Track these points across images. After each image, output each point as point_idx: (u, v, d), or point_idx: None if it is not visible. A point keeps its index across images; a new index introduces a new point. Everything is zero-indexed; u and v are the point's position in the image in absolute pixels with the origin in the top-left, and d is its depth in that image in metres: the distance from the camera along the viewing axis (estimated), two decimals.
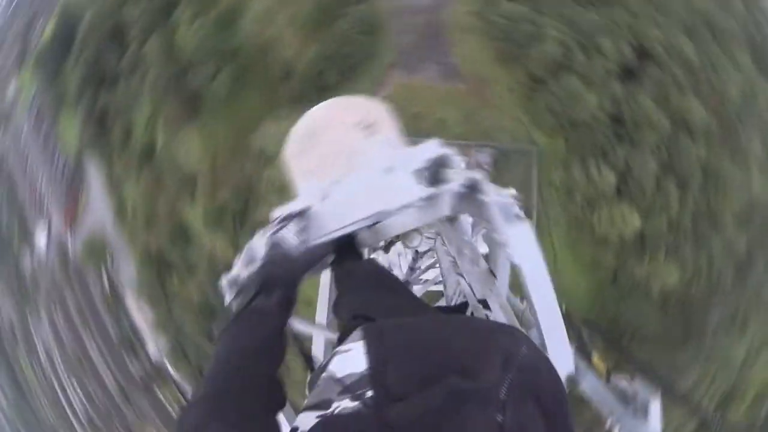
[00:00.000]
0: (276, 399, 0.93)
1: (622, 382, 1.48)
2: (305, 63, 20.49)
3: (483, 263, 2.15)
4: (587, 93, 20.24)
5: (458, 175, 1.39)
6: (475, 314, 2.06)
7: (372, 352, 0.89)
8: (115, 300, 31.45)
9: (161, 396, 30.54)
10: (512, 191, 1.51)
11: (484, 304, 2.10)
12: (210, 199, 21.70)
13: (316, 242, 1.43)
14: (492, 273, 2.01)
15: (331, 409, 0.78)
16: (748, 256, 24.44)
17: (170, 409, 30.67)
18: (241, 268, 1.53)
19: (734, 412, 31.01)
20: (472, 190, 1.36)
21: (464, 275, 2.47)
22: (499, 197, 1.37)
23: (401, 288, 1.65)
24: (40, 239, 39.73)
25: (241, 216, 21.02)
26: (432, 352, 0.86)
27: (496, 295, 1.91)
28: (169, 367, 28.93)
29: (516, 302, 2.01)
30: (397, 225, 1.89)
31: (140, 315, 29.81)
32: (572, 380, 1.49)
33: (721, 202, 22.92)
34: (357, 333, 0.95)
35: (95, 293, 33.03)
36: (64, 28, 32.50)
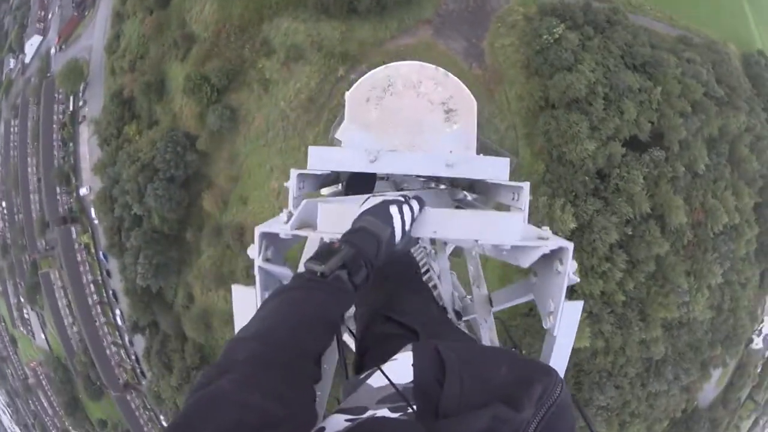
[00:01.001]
0: (317, 374, 0.89)
1: None
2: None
3: (484, 288, 2.13)
4: (588, 139, 20.29)
5: (553, 237, 1.38)
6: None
7: (419, 368, 0.92)
8: (71, 128, 30.42)
9: (74, 234, 29.81)
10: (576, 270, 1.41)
11: (458, 315, 2.15)
12: (198, 65, 21.00)
13: (414, 235, 1.29)
14: (490, 301, 2.00)
15: (365, 416, 0.80)
16: (661, 363, 25.25)
17: (78, 251, 30.01)
18: (290, 228, 1.31)
19: None
20: (555, 255, 1.34)
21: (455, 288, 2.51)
22: (573, 274, 1.35)
23: (429, 295, 1.55)
24: (31, 47, 38.27)
25: (218, 93, 20.43)
26: (482, 378, 0.90)
27: (488, 316, 1.96)
28: (93, 211, 28.17)
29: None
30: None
31: (87, 151, 28.89)
32: None
33: (658, 302, 23.53)
34: (407, 347, 0.99)
35: (56, 116, 31.91)
36: None
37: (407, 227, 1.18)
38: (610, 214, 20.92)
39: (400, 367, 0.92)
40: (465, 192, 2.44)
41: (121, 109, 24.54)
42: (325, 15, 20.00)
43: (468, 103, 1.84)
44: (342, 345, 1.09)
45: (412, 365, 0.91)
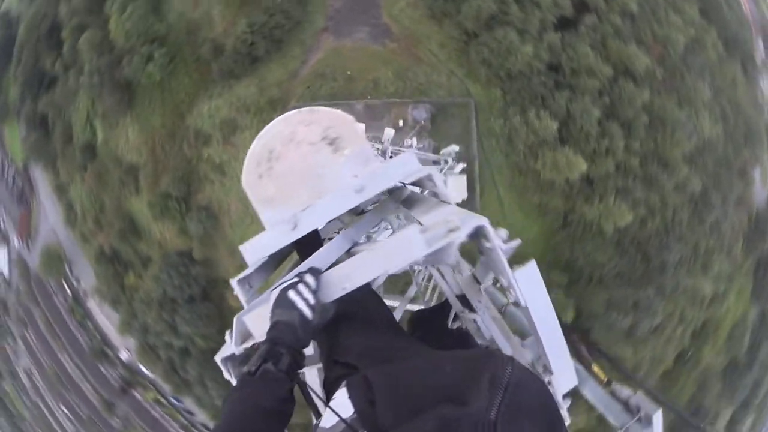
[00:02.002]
0: None
1: (624, 390, 1.57)
2: (235, 37, 19.99)
3: (466, 269, 2.06)
4: (523, 44, 20.20)
5: (465, 218, 1.32)
6: (460, 315, 2.06)
7: (353, 397, 0.99)
8: (80, 308, 30.71)
9: (140, 397, 30.10)
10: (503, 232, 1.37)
11: (463, 300, 2.07)
12: (153, 188, 21.14)
13: (325, 302, 1.31)
14: (476, 279, 1.93)
15: None
16: (704, 195, 25.03)
17: (151, 409, 30.29)
18: (235, 346, 1.38)
19: (710, 348, 32.15)
20: (476, 236, 1.29)
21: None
22: (502, 243, 1.32)
23: (381, 323, 1.59)
24: (1, 260, 38.54)
25: (185, 200, 20.57)
26: (418, 386, 0.91)
27: (481, 297, 1.89)
28: (142, 368, 28.46)
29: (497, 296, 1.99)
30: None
31: (105, 319, 29.15)
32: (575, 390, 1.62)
33: (669, 144, 23.31)
34: (343, 384, 1.06)
35: (60, 304, 32.22)
36: (4, 36, 31.64)
37: (312, 302, 1.24)
38: (581, 96, 20.86)
39: (343, 402, 1.00)
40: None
41: (111, 266, 24.73)
42: (234, 79, 20.12)
43: (346, 123, 1.79)
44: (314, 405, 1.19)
45: (348, 397, 0.99)
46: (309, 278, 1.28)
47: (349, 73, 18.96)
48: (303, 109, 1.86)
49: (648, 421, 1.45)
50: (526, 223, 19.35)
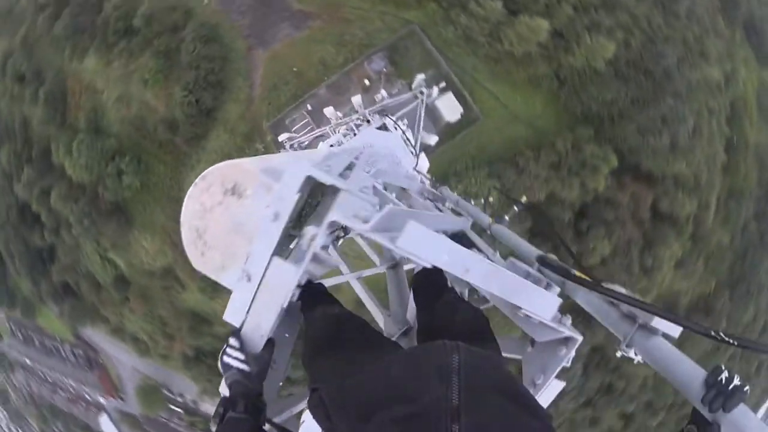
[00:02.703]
0: None
1: (618, 289, 1.51)
2: (179, 106, 20.13)
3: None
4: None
5: (569, 326, 1.45)
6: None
7: (317, 417, 1.07)
8: (198, 417, 31.69)
9: None
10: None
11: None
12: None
13: (254, 351, 1.40)
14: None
15: None
16: None
17: None
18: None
19: (750, 125, 31.58)
20: (564, 341, 1.47)
21: None
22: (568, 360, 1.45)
23: (355, 341, 1.60)
24: (109, 427, 39.85)
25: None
26: (366, 393, 0.94)
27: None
28: None
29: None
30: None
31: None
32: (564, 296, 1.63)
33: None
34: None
35: (179, 426, 33.35)
36: None
37: (242, 358, 1.34)
38: None
39: (312, 425, 1.10)
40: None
41: (202, 364, 25.39)
42: (202, 139, 20.34)
43: (234, 168, 1.81)
44: None
45: (312, 418, 1.09)
46: (232, 341, 1.37)
47: (295, 69, 18.85)
48: (196, 180, 1.93)
49: (651, 330, 1.41)
50: (528, 101, 19.12)
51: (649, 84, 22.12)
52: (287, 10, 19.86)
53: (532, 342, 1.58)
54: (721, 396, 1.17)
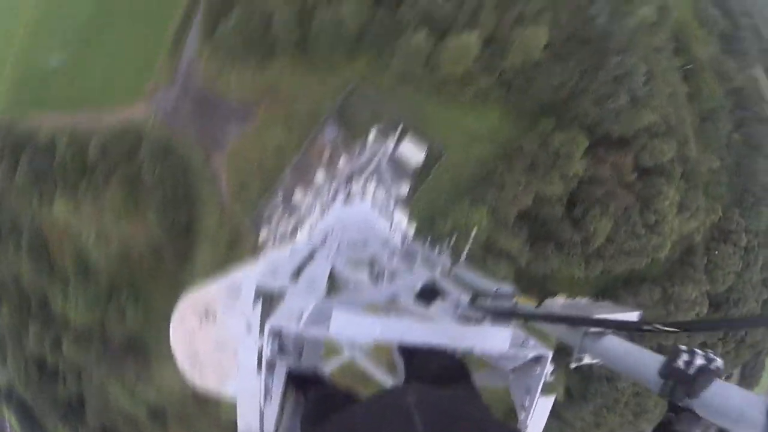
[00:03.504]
0: None
1: (557, 303, 1.72)
2: (157, 237, 20.21)
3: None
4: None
5: (534, 344, 1.58)
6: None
7: None
8: None
9: None
10: None
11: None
12: None
13: None
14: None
15: None
16: None
17: None
18: None
19: (697, 43, 31.87)
20: (536, 361, 1.60)
21: None
22: (549, 375, 1.57)
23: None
24: None
25: None
26: None
27: None
28: None
29: None
30: None
31: None
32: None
33: None
34: None
35: None
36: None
37: None
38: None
39: None
40: None
41: None
42: (188, 263, 20.38)
43: (201, 296, 2.07)
44: None
45: None
46: None
47: (256, 164, 18.97)
48: (173, 313, 2.15)
49: (598, 332, 1.52)
50: (482, 117, 19.24)
51: (590, 51, 22.34)
52: (227, 107, 20.09)
53: (512, 371, 1.69)
54: (682, 384, 1.08)
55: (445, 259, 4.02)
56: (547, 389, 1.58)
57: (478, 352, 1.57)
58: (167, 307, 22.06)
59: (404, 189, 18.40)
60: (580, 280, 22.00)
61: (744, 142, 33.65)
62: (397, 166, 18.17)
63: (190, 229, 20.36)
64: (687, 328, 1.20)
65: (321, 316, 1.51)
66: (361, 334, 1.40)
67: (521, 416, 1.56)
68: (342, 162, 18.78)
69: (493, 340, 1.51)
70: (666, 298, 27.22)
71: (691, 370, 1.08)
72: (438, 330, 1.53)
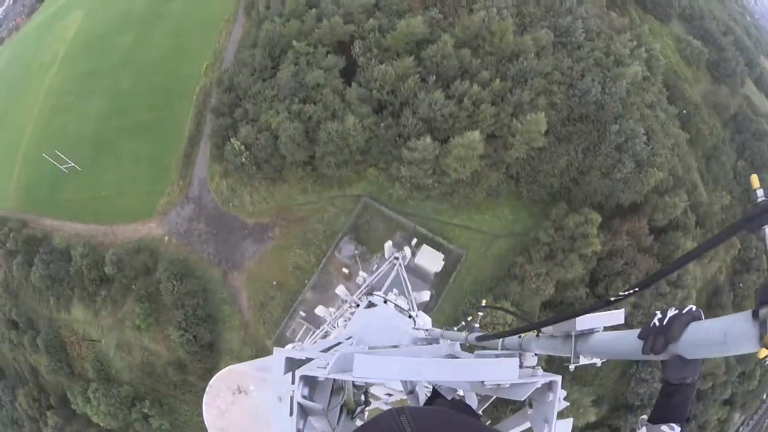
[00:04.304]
0: None
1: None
2: (180, 347, 20.24)
3: None
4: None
5: (542, 372, 1.77)
6: None
7: None
8: None
9: None
10: None
11: None
12: None
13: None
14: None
15: None
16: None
17: None
18: None
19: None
20: (546, 387, 1.75)
21: None
22: (562, 399, 1.74)
23: None
24: None
25: None
26: None
27: None
28: None
29: None
30: None
31: None
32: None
33: None
34: None
35: None
36: None
37: None
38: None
39: None
40: None
41: None
42: (212, 371, 20.33)
43: (230, 375, 2.30)
44: None
45: None
46: None
47: (275, 282, 19.12)
48: (206, 390, 2.21)
49: (586, 333, 1.68)
50: (496, 214, 19.45)
51: (589, 125, 22.68)
52: (244, 228, 20.44)
53: (529, 404, 1.79)
54: (658, 336, 1.11)
55: (455, 335, 4.39)
56: (563, 413, 1.66)
57: (490, 383, 1.69)
58: (194, 419, 21.80)
59: (426, 296, 18.41)
60: None
61: (749, 165, 33.61)
62: (416, 275, 18.21)
63: (213, 347, 20.33)
64: (645, 284, 1.27)
65: (344, 366, 1.61)
66: (382, 373, 1.52)
67: None
68: (361, 277, 18.85)
69: (502, 371, 1.63)
70: None
71: (665, 322, 1.15)
72: (453, 365, 1.65)
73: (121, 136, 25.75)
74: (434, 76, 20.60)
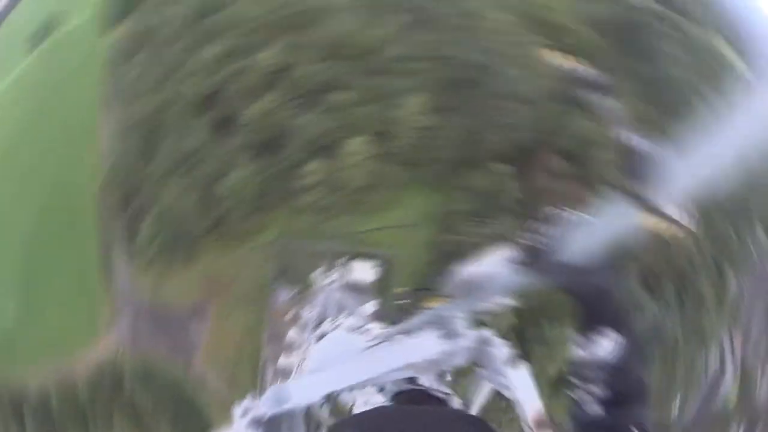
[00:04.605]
0: None
1: None
2: None
3: None
4: None
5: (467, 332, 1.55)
6: None
7: None
8: None
9: None
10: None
11: None
12: None
13: None
14: None
15: None
16: None
17: None
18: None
19: None
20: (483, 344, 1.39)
21: None
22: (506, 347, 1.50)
23: None
24: None
25: None
26: None
27: None
28: None
29: None
30: None
31: None
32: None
33: None
34: None
35: None
36: None
37: None
38: None
39: None
40: None
41: None
42: None
43: None
44: None
45: None
46: None
47: (235, 352, 18.99)
48: None
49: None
50: (407, 205, 19.70)
51: (470, 87, 22.96)
52: (181, 312, 20.14)
53: (478, 365, 1.93)
54: (539, 254, 1.10)
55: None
56: (512, 362, 1.73)
57: (422, 362, 1.78)
58: None
59: (370, 306, 18.63)
60: None
61: None
62: (354, 290, 18.41)
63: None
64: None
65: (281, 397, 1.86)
66: (302, 397, 1.76)
67: (511, 396, 1.68)
68: (305, 313, 19.00)
69: (424, 346, 1.68)
70: None
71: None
72: (368, 361, 1.80)
73: (41, 274, 24.94)
74: (303, 99, 20.65)
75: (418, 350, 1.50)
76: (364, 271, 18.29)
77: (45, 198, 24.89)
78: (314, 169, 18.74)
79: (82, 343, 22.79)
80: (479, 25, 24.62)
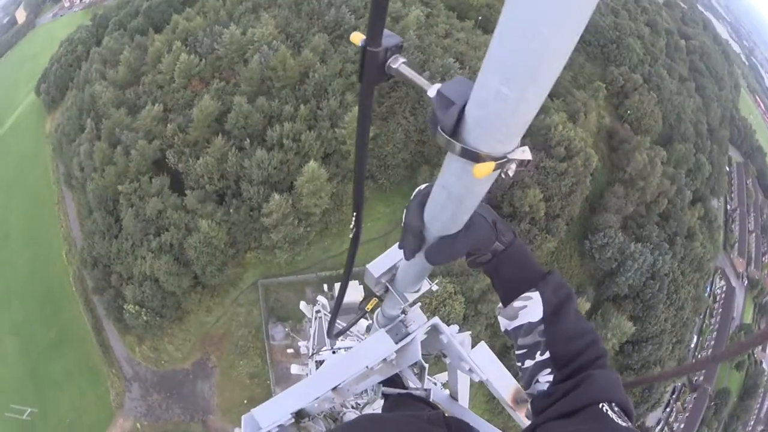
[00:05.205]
0: None
1: None
2: None
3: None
4: None
5: (417, 319, 1.62)
6: None
7: None
8: None
9: None
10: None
11: None
12: None
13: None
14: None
15: None
16: None
17: None
18: None
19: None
20: (434, 332, 1.59)
21: None
22: (458, 332, 1.60)
23: None
24: None
25: None
26: None
27: None
28: None
29: None
30: None
31: None
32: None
33: None
34: None
35: None
36: None
37: None
38: None
39: None
40: None
41: None
42: None
43: None
44: None
45: None
46: None
47: (245, 401, 19.30)
48: None
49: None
50: (373, 214, 20.24)
51: (403, 89, 23.23)
52: (187, 374, 20.40)
53: (443, 356, 1.73)
54: (410, 239, 0.90)
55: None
56: (467, 343, 1.58)
57: (383, 364, 1.56)
58: None
59: (364, 323, 19.17)
60: None
61: None
62: (345, 311, 18.90)
63: None
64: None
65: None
66: (277, 419, 1.48)
67: (476, 377, 1.55)
68: (302, 346, 19.43)
69: (380, 346, 1.50)
70: None
71: (404, 222, 0.94)
72: (331, 371, 1.59)
73: (46, 362, 24.89)
74: (248, 140, 20.95)
75: (374, 353, 1.45)
76: (351, 293, 18.59)
77: (41, 291, 24.60)
78: (277, 204, 19.11)
79: (102, 423, 22.89)
80: (403, 26, 24.96)
